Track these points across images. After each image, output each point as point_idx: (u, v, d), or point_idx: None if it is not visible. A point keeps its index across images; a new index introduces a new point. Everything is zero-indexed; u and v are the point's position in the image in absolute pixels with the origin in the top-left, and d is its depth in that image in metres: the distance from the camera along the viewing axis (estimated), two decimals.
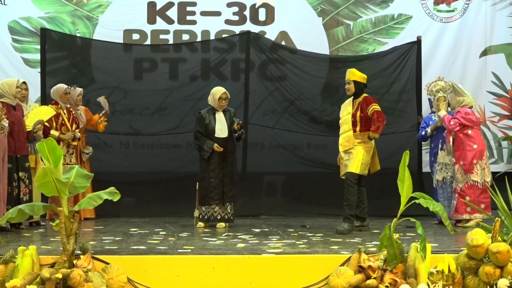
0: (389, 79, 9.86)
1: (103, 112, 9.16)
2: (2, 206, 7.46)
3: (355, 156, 7.83)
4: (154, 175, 9.81)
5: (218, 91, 8.34)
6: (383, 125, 7.88)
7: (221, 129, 8.30)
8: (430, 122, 8.88)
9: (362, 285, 5.45)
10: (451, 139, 8.43)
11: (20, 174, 7.94)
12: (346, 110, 8.04)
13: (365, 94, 7.99)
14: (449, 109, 8.68)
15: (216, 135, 8.28)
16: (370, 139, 7.84)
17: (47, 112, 8.29)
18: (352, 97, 8.02)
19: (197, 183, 8.57)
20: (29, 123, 8.07)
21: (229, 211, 8.36)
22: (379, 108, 7.88)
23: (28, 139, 8.10)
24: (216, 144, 8.23)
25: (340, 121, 8.10)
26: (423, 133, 8.90)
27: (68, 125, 8.70)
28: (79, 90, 9.00)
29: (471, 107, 8.46)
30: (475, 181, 8.29)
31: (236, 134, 8.36)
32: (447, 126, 8.35)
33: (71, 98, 8.91)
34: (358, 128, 7.88)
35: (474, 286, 5.39)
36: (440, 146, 8.76)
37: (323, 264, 5.73)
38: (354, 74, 7.98)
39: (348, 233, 7.54)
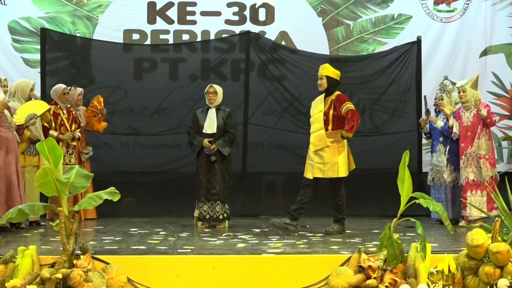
0: (389, 79, 9.85)
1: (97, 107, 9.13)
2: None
3: (332, 160, 7.56)
4: (154, 175, 9.81)
5: (207, 86, 8.49)
6: (358, 125, 7.65)
7: (209, 125, 8.37)
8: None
9: (362, 285, 5.46)
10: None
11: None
12: (318, 108, 7.75)
13: (338, 92, 7.74)
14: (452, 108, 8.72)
15: (204, 131, 8.37)
16: (343, 138, 7.60)
17: (41, 106, 8.24)
18: (324, 94, 7.79)
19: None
20: (20, 116, 8.02)
21: (217, 210, 8.32)
22: (353, 106, 7.66)
23: (19, 134, 8.06)
24: (206, 139, 8.29)
25: (310, 120, 7.83)
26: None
27: (67, 125, 8.70)
28: (79, 90, 9.01)
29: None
30: (496, 175, 8.33)
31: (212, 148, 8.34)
32: (492, 121, 8.32)
33: (71, 98, 8.92)
34: (330, 127, 7.61)
35: (474, 286, 5.39)
36: (434, 148, 8.78)
37: (323, 264, 5.74)
38: (327, 69, 7.75)
39: (336, 234, 7.47)
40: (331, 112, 7.63)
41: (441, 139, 8.74)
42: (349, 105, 7.61)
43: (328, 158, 7.60)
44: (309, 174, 7.71)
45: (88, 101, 9.29)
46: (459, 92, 8.45)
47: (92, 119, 9.18)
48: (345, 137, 7.61)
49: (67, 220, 5.48)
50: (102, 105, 9.14)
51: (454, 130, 8.48)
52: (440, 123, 8.69)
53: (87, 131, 9.29)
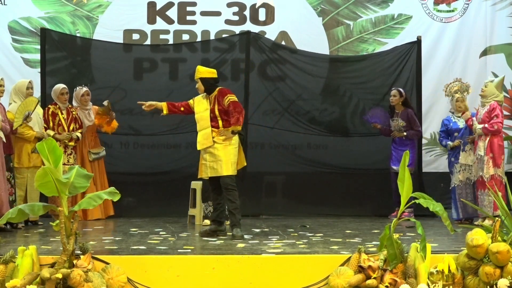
0: (389, 79, 9.85)
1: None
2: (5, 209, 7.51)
3: (224, 157, 7.34)
4: (154, 175, 9.81)
5: None
6: (243, 115, 7.43)
7: None
8: (451, 124, 8.96)
9: (362, 285, 5.46)
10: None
11: (6, 174, 7.97)
12: (203, 106, 7.52)
13: (219, 87, 7.54)
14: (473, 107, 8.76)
15: None
16: (233, 134, 7.36)
17: (30, 102, 8.30)
18: (205, 93, 7.56)
19: (191, 182, 8.78)
20: (17, 119, 8.13)
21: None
22: (235, 98, 7.41)
23: (13, 134, 8.13)
24: None
25: (196, 117, 7.58)
26: (444, 143, 9.02)
27: (65, 125, 8.72)
28: (83, 90, 9.06)
29: (500, 104, 8.49)
30: (500, 175, 8.31)
31: None
32: (494, 133, 8.30)
33: (76, 98, 8.99)
34: (220, 124, 7.39)
35: (474, 286, 5.39)
36: (462, 147, 8.76)
37: (323, 264, 5.74)
38: (199, 72, 7.55)
39: (240, 238, 7.10)
40: (216, 108, 7.42)
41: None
42: (230, 97, 7.39)
43: (219, 155, 7.37)
44: (203, 175, 7.53)
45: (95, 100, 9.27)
46: (483, 87, 8.50)
47: (102, 121, 9.15)
48: (235, 132, 7.40)
49: (67, 220, 5.48)
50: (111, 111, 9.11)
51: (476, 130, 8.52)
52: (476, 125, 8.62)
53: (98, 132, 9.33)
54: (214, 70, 7.65)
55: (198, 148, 7.54)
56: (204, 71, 7.56)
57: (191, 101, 7.71)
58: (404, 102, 9.37)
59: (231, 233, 7.28)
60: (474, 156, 8.61)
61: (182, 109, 7.75)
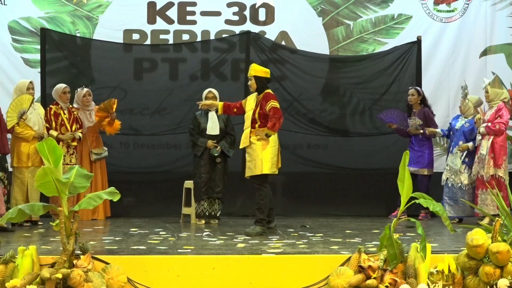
0: (389, 79, 9.85)
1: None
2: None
3: (257, 156, 7.48)
4: (154, 175, 9.82)
5: (205, 92, 8.76)
6: (280, 123, 7.55)
7: (212, 127, 8.73)
8: (453, 122, 9.11)
9: (362, 285, 5.46)
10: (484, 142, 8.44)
11: (0, 174, 7.98)
12: (250, 105, 7.68)
13: (267, 90, 7.65)
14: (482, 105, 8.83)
15: (207, 133, 8.72)
16: (267, 137, 7.48)
17: (26, 99, 8.30)
18: (256, 92, 7.70)
19: (185, 181, 8.94)
20: (12, 116, 8.13)
21: (216, 208, 8.71)
22: (277, 104, 7.54)
23: (10, 133, 8.15)
24: (210, 141, 8.61)
25: (245, 116, 7.76)
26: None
27: (68, 125, 8.73)
28: (84, 91, 9.07)
29: (508, 101, 8.54)
30: (501, 176, 8.31)
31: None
32: (496, 133, 8.34)
33: (78, 98, 9.00)
34: (257, 125, 7.55)
35: (474, 286, 5.39)
36: (451, 149, 8.84)
37: (323, 264, 5.74)
38: (254, 70, 7.64)
39: (256, 236, 7.30)
40: (257, 110, 7.56)
41: (460, 142, 8.77)
42: (273, 103, 7.51)
43: (254, 155, 7.53)
44: (246, 175, 7.74)
45: (95, 101, 9.28)
46: (485, 92, 8.63)
47: (103, 121, 9.13)
48: (269, 135, 7.49)
49: (67, 220, 5.48)
50: (114, 110, 9.10)
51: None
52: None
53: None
54: (268, 70, 7.77)
55: (240, 147, 7.82)
56: (259, 70, 7.66)
57: (243, 101, 7.85)
58: (422, 101, 9.40)
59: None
60: (460, 160, 8.67)
61: (235, 110, 7.90)
